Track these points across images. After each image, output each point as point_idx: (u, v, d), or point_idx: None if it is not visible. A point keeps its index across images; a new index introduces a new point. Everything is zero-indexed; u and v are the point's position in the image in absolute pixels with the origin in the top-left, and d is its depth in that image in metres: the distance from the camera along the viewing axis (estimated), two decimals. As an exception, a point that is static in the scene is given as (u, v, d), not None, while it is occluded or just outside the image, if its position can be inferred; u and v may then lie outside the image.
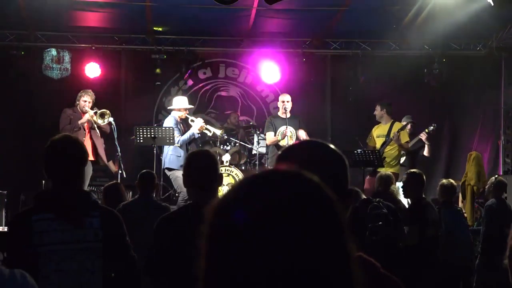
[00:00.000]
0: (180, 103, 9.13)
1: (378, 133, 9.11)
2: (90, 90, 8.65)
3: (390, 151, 8.91)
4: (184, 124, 9.16)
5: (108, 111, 8.43)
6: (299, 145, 2.22)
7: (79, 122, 8.36)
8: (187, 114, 9.11)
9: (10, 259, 2.85)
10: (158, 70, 10.67)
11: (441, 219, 6.20)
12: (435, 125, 9.22)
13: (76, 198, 2.87)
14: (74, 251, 2.76)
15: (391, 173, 8.45)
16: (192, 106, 9.39)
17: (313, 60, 11.05)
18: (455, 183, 7.10)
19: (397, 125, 9.02)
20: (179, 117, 9.01)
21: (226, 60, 11.35)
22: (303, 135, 8.85)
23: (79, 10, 9.52)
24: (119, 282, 3.00)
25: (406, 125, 9.15)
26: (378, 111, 9.15)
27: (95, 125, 8.50)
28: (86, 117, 8.41)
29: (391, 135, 8.89)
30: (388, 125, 9.06)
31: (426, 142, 9.33)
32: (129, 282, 3.06)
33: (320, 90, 11.28)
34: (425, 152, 9.46)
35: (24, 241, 2.72)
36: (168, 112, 10.92)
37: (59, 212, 2.78)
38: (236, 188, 0.98)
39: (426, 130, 9.21)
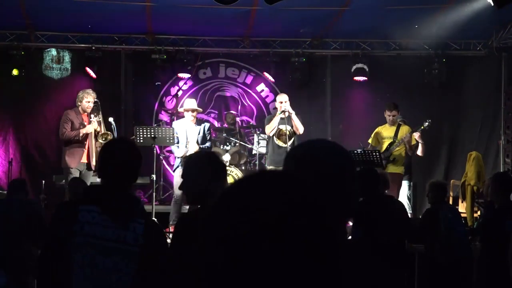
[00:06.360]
0: (185, 104, 9.15)
1: (385, 135, 9.02)
2: (90, 90, 8.59)
3: (396, 152, 8.90)
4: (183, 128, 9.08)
5: (110, 134, 8.39)
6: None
7: (82, 131, 8.25)
8: (192, 115, 9.02)
9: (49, 245, 2.89)
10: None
11: (440, 218, 6.20)
12: (429, 121, 8.87)
13: (125, 199, 2.89)
14: (111, 249, 2.76)
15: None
16: (197, 108, 9.28)
17: (313, 60, 11.06)
18: (444, 182, 7.09)
19: (403, 127, 8.96)
20: (192, 116, 8.95)
21: (226, 60, 11.35)
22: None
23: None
24: None
25: (419, 128, 8.88)
26: (397, 115, 9.01)
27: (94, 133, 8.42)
28: (90, 129, 8.30)
29: (399, 136, 8.86)
30: (395, 127, 9.00)
31: (420, 141, 8.89)
32: None
33: (320, 90, 11.27)
34: (419, 152, 9.04)
35: (66, 227, 2.75)
36: (168, 112, 10.95)
37: (106, 207, 2.79)
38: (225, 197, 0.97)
39: (422, 127, 8.90)
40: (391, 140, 8.92)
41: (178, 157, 8.86)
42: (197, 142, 8.83)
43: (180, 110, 9.35)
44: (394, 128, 8.98)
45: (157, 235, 2.95)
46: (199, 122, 9.12)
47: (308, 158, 1.66)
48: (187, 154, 8.47)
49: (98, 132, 8.33)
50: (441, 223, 6.25)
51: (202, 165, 3.16)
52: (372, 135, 9.15)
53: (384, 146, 8.92)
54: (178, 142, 8.86)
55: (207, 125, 9.12)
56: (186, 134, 8.85)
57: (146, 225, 2.85)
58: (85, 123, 8.40)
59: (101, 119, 8.47)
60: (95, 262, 2.74)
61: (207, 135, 8.96)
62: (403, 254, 5.81)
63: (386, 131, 9.04)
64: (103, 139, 8.23)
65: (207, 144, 8.94)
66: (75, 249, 2.74)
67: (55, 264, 2.78)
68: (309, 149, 1.71)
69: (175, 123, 9.20)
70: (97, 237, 2.75)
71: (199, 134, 8.90)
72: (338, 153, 1.69)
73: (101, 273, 2.75)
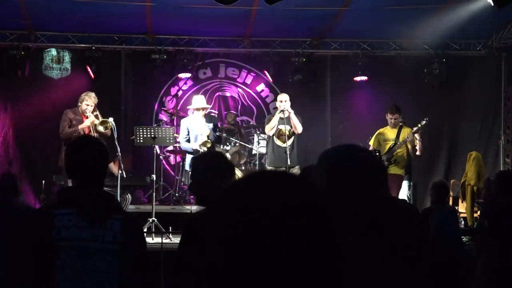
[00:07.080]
0: (195, 103, 9.19)
1: (387, 137, 9.00)
2: (92, 93, 8.56)
3: (398, 153, 8.89)
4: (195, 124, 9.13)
5: (109, 120, 8.33)
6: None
7: (80, 127, 8.26)
8: (203, 113, 9.12)
9: (29, 252, 2.86)
10: None
11: (433, 219, 6.20)
12: (427, 119, 8.82)
13: (100, 198, 2.86)
14: (91, 250, 2.74)
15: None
16: (207, 106, 9.35)
17: (313, 60, 11.05)
18: (447, 183, 7.08)
19: (405, 129, 8.94)
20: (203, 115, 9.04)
21: (226, 60, 11.35)
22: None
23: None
24: None
25: (420, 128, 8.87)
26: (399, 118, 8.98)
27: (95, 130, 8.40)
28: (87, 123, 8.29)
29: (401, 138, 8.85)
30: (397, 129, 8.98)
31: (418, 138, 8.84)
32: None
33: (320, 90, 11.26)
34: (417, 152, 8.98)
35: (44, 234, 2.72)
36: (168, 112, 10.95)
37: (82, 209, 2.76)
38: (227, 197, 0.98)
39: (419, 125, 8.87)
40: (393, 142, 8.91)
41: (194, 149, 8.87)
42: (210, 133, 8.97)
43: (189, 108, 9.37)
44: (395, 130, 8.97)
45: (135, 231, 2.89)
46: (208, 118, 9.21)
47: (324, 161, 1.91)
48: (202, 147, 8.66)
49: (96, 125, 8.32)
50: (434, 223, 6.25)
51: (209, 166, 3.18)
52: (373, 137, 9.12)
53: (386, 148, 8.90)
54: (188, 140, 8.93)
55: (214, 121, 9.39)
56: (199, 130, 8.95)
57: (123, 222, 2.80)
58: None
59: (97, 112, 8.46)
60: (76, 265, 2.71)
61: (216, 128, 9.26)
62: (403, 254, 5.80)
63: (388, 133, 9.01)
64: (104, 127, 8.24)
65: (217, 133, 9.21)
66: (55, 254, 2.70)
67: (38, 269, 2.76)
68: (325, 153, 1.94)
69: (186, 120, 9.20)
70: (75, 239, 2.72)
71: (209, 127, 9.04)
72: (346, 157, 1.85)
73: (83, 275, 2.73)
